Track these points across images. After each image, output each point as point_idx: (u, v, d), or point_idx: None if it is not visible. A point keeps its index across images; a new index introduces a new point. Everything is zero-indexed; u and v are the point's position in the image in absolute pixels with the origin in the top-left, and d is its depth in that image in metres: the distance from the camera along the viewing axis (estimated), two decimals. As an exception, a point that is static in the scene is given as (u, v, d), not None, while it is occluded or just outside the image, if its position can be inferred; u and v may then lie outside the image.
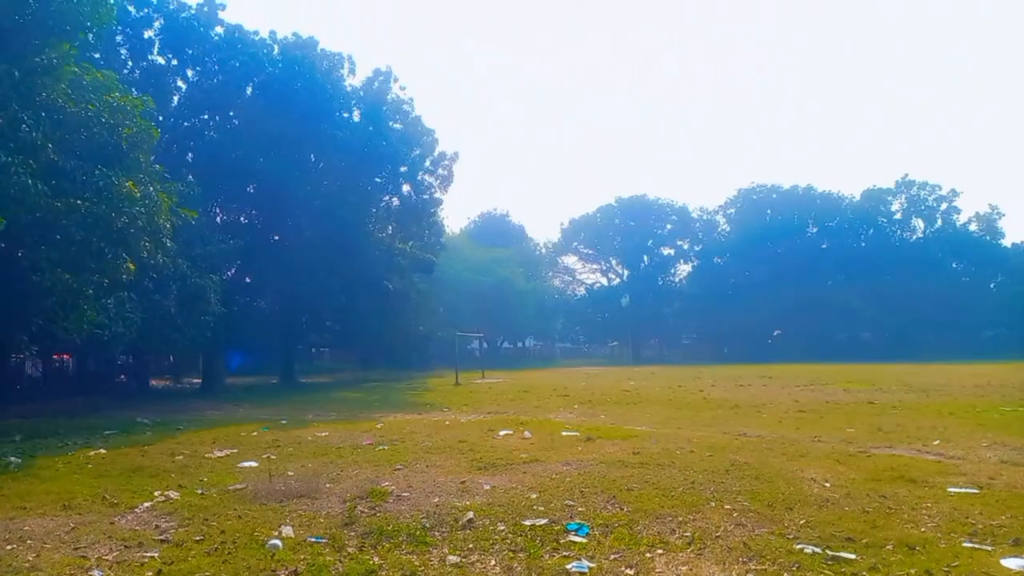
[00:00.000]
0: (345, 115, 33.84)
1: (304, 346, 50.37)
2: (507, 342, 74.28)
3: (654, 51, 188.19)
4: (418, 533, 6.15)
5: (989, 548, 5.27)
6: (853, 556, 5.14)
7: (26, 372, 30.33)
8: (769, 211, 72.71)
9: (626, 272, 77.49)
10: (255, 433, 14.57)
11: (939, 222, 69.19)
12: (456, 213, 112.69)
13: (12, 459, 11.23)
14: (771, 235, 71.08)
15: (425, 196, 36.37)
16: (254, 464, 10.35)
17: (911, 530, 5.78)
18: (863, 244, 70.10)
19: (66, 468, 10.43)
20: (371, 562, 5.42)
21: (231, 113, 31.42)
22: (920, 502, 6.73)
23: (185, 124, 30.15)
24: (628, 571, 5.03)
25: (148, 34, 28.35)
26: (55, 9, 11.25)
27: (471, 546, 5.80)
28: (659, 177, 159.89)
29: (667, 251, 77.17)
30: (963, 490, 7.20)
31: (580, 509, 6.80)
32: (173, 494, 8.16)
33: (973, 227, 68.38)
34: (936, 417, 14.40)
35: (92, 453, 11.81)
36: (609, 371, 47.39)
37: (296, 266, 32.64)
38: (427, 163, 35.89)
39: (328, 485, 8.44)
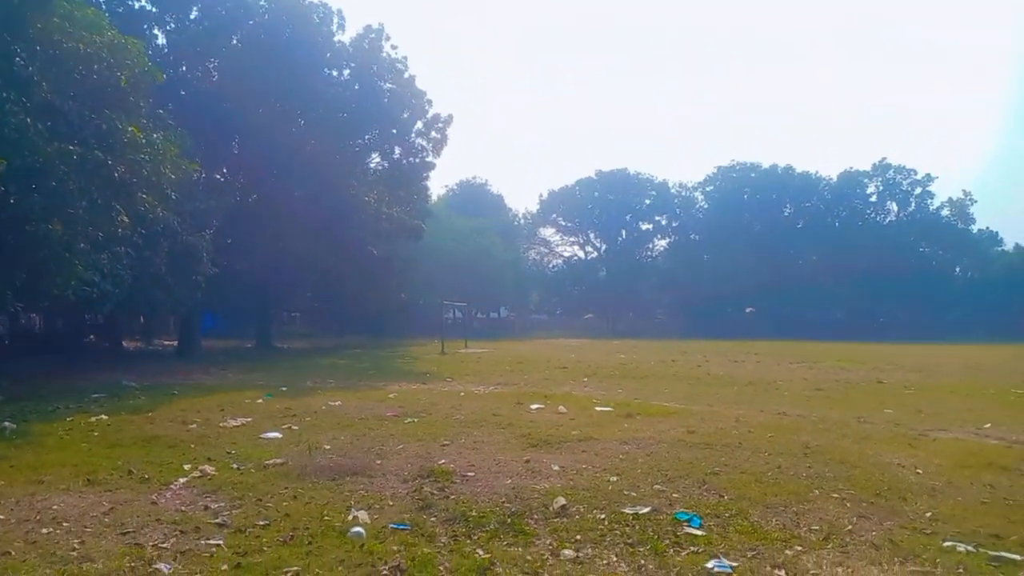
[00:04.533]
0: (334, 73, 32.48)
1: (279, 310, 49.20)
2: (480, 312, 73.51)
3: (640, 24, 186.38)
4: (511, 521, 5.56)
5: None
6: (1018, 557, 4.69)
7: (-9, 330, 28.82)
8: (747, 189, 72.82)
9: (604, 246, 77.21)
10: (260, 400, 13.81)
11: (912, 206, 70.10)
12: (434, 181, 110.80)
13: (6, 424, 10.31)
14: (747, 213, 71.57)
15: (416, 160, 35.19)
16: (278, 435, 9.65)
17: (1052, 526, 5.36)
18: (837, 225, 70.74)
19: (70, 436, 9.59)
20: (477, 555, 4.81)
21: (214, 64, 29.82)
22: (1030, 493, 6.36)
23: (165, 75, 28.47)
24: (778, 572, 4.50)
25: (127, -26, 26.52)
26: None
27: (578, 537, 5.22)
28: (639, 152, 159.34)
29: (645, 226, 76.96)
30: (1065, 480, 6.85)
31: (675, 495, 6.27)
32: (208, 469, 7.42)
33: (945, 212, 69.45)
34: (959, 399, 14.22)
35: (93, 419, 10.96)
36: (591, 344, 47.10)
37: (278, 228, 31.43)
38: (419, 125, 34.63)
39: (378, 462, 7.79)
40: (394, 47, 33.69)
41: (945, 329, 61.21)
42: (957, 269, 70.45)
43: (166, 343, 35.48)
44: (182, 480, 7.01)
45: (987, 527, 5.34)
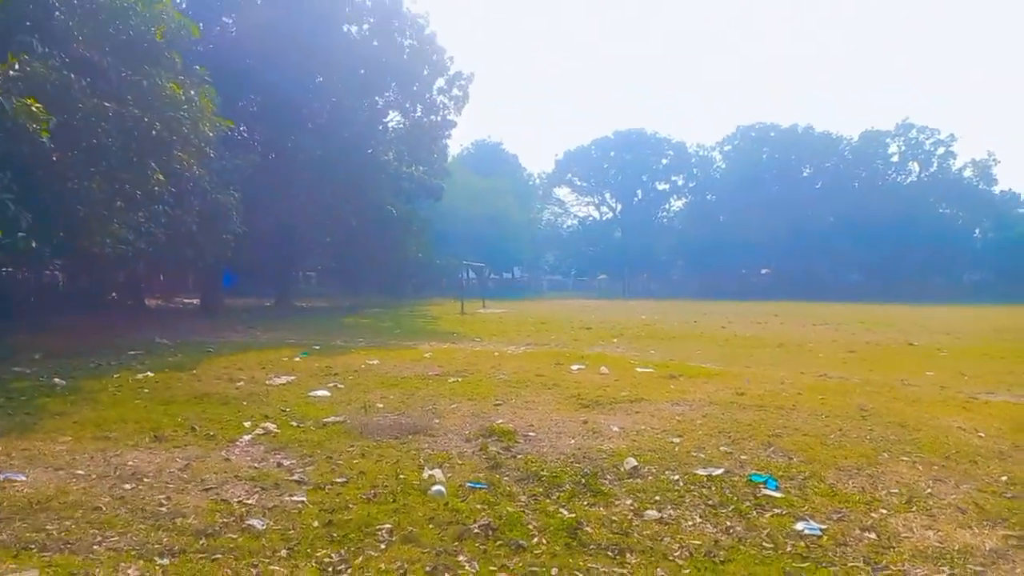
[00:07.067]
0: (353, 29, 31.91)
1: (296, 269, 49.31)
2: (494, 273, 73.59)
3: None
4: (586, 481, 5.58)
5: None
6: (1108, 522, 4.67)
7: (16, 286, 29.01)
8: (766, 150, 71.96)
9: (619, 206, 76.89)
10: (297, 359, 13.91)
11: (935, 166, 69.03)
12: (452, 140, 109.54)
13: (56, 380, 10.45)
14: (766, 174, 70.87)
15: (436, 118, 34.77)
16: (326, 393, 9.72)
17: None
18: (856, 186, 69.91)
19: (122, 393, 9.67)
20: (562, 514, 4.84)
21: (232, 19, 29.32)
22: (1100, 458, 6.32)
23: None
24: (869, 535, 4.50)
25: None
26: None
27: (657, 498, 5.24)
28: (657, 113, 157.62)
29: (662, 186, 76.52)
30: None
31: (743, 457, 6.28)
32: (270, 426, 7.49)
33: (968, 173, 68.40)
34: (995, 362, 14.12)
35: (140, 376, 11.04)
36: (608, 304, 47.18)
37: (297, 187, 31.30)
38: (440, 82, 34.15)
39: (436, 421, 7.84)
40: (414, 1, 33.10)
41: (962, 291, 60.95)
42: (977, 231, 69.55)
43: (186, 301, 35.73)
44: (247, 437, 7.08)
45: (1067, 492, 5.32)
